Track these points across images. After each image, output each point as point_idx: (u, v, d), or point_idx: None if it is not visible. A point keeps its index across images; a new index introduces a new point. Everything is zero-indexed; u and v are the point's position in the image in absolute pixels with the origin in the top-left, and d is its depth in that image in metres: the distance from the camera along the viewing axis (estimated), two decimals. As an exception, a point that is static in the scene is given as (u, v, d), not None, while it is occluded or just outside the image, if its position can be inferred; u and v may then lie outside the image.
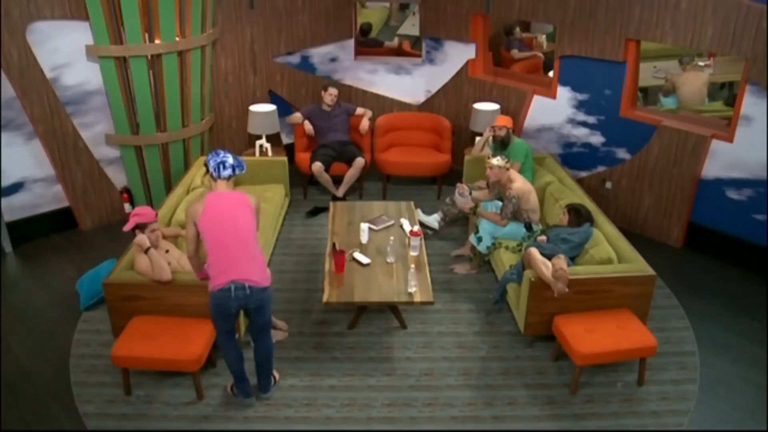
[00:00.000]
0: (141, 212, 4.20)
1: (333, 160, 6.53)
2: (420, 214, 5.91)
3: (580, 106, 6.37)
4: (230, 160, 3.65)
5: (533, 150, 6.49)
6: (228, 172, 3.64)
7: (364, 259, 4.69)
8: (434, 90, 7.69)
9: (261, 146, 6.66)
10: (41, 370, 4.29)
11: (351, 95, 7.73)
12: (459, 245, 5.77)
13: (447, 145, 6.91)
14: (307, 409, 3.93)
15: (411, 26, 7.74)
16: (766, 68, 4.96)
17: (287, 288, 5.15)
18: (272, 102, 7.15)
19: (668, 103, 6.18)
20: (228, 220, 3.58)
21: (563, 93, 6.47)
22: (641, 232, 6.15)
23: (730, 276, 5.46)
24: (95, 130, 5.96)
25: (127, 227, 4.19)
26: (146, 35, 5.61)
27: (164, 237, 4.51)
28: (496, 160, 5.01)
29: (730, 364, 4.38)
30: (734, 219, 5.54)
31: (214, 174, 3.64)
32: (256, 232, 3.68)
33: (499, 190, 5.22)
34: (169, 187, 6.29)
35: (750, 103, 5.19)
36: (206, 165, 3.69)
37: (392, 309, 4.72)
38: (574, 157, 6.57)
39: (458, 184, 5.53)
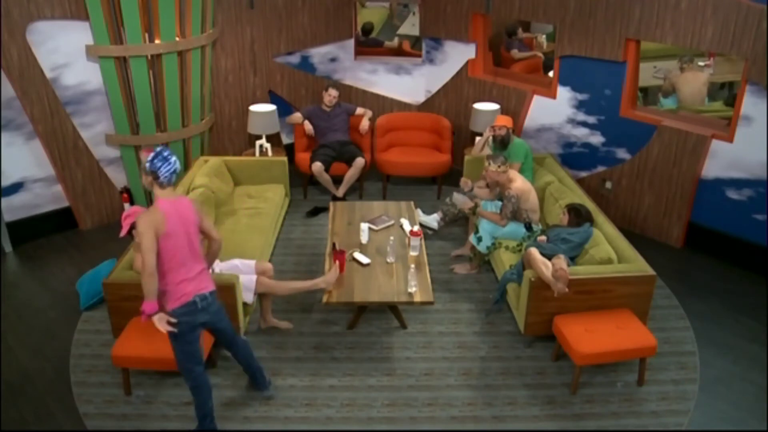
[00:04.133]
0: (131, 212, 4.20)
1: (333, 160, 6.53)
2: (420, 215, 5.91)
3: (580, 106, 6.37)
4: (178, 162, 3.34)
5: (533, 150, 6.49)
6: (176, 176, 3.33)
7: (364, 259, 4.69)
8: (434, 90, 7.69)
9: (261, 146, 6.66)
10: (41, 370, 4.29)
11: (351, 95, 7.73)
12: (459, 245, 5.77)
13: (447, 145, 6.92)
14: (307, 409, 3.93)
15: (411, 26, 7.74)
16: (766, 68, 4.96)
17: (287, 288, 5.15)
18: (272, 102, 7.15)
19: (668, 103, 6.18)
20: (184, 232, 3.32)
21: (563, 93, 6.47)
22: (641, 232, 6.15)
23: (730, 276, 5.46)
24: (95, 130, 5.96)
25: (123, 232, 4.19)
26: (146, 35, 5.61)
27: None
28: (491, 165, 5.00)
29: (730, 364, 4.38)
30: (734, 219, 5.54)
31: (165, 182, 3.29)
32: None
33: (499, 189, 5.23)
34: (169, 187, 6.28)
35: (750, 103, 5.19)
36: (153, 171, 3.25)
37: (392, 309, 4.71)
38: (574, 157, 6.57)
39: (462, 179, 5.54)
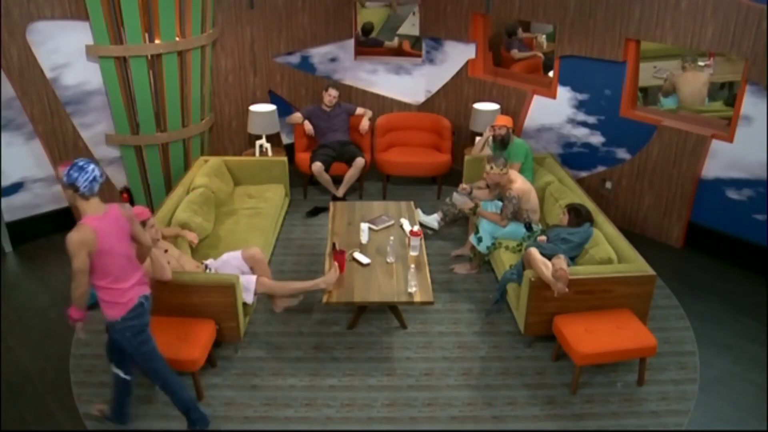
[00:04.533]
0: (135, 212, 4.17)
1: (333, 160, 6.53)
2: (420, 215, 5.91)
3: (580, 106, 6.37)
4: (97, 170, 3.17)
5: (533, 150, 6.49)
6: (98, 184, 3.18)
7: (364, 259, 4.69)
8: (434, 90, 7.69)
9: (261, 146, 6.66)
10: (41, 370, 4.29)
11: (351, 95, 7.73)
12: (459, 245, 5.77)
13: (447, 145, 6.92)
14: (307, 409, 3.93)
15: (411, 26, 7.74)
16: (766, 68, 4.96)
17: (287, 288, 5.15)
18: (272, 102, 7.16)
19: (668, 103, 6.19)
20: (118, 245, 3.27)
21: (563, 93, 6.47)
22: (641, 232, 6.15)
23: (730, 276, 5.46)
24: (95, 130, 5.96)
25: None
26: (146, 35, 5.61)
27: (164, 237, 4.52)
28: (492, 168, 4.99)
29: (730, 364, 4.38)
30: (734, 219, 5.54)
31: (87, 193, 3.14)
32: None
33: (500, 190, 5.23)
34: (169, 187, 6.29)
35: (750, 103, 5.19)
36: (71, 183, 3.11)
37: (392, 309, 4.71)
38: (574, 157, 6.57)
39: (460, 186, 5.54)
